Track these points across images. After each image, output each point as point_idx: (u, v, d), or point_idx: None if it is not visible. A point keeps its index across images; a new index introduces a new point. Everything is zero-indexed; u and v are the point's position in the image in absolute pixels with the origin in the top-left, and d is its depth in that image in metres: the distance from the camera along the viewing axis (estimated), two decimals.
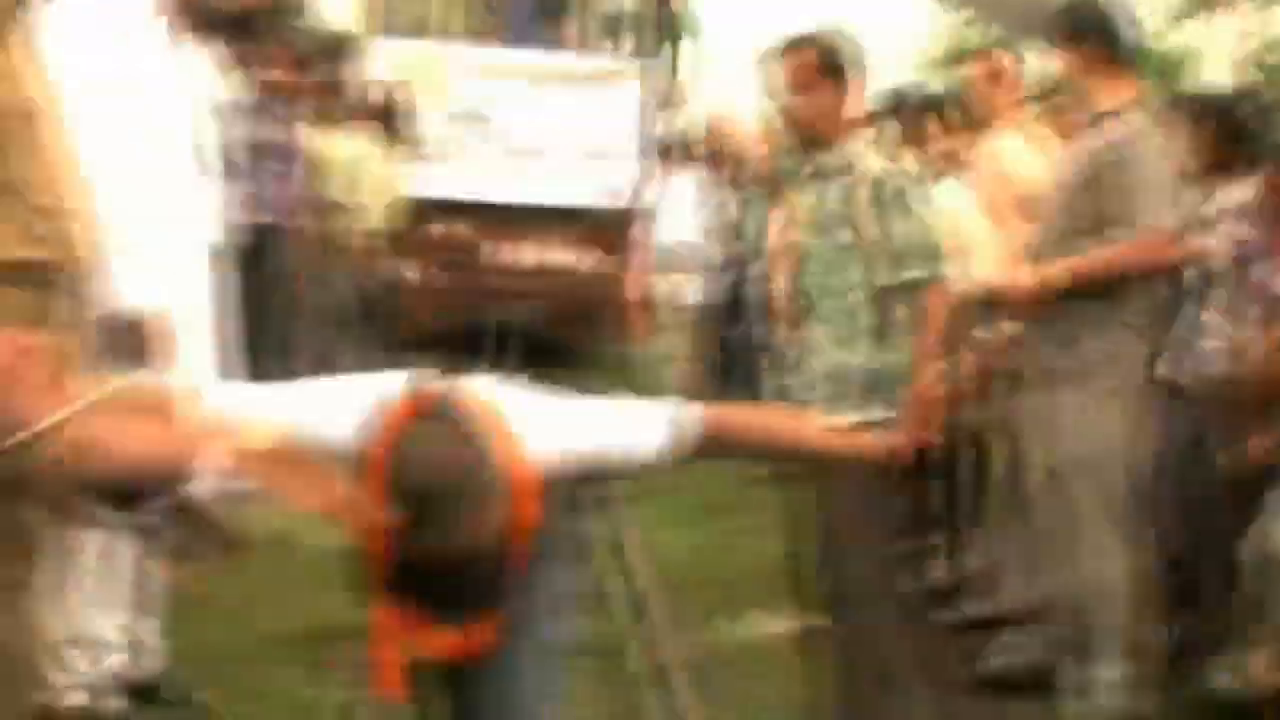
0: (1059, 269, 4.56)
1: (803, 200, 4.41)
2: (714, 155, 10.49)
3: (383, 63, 10.94)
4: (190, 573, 5.78)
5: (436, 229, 11.78)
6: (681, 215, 10.75)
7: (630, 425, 3.13)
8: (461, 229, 11.89)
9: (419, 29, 12.66)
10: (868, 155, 4.28)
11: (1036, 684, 4.94)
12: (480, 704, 3.30)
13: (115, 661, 4.33)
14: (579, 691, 4.62)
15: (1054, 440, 4.67)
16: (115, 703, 4.25)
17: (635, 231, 11.60)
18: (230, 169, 5.52)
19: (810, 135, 4.41)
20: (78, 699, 4.12)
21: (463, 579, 2.91)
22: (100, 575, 4.22)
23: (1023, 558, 5.16)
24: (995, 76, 5.83)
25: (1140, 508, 4.75)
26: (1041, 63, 6.24)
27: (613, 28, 13.25)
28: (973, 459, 5.94)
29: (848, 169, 4.26)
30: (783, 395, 4.50)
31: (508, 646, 3.18)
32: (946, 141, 5.58)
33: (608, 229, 11.84)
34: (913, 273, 4.20)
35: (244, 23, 5.60)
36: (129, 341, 3.82)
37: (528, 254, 10.94)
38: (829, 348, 4.28)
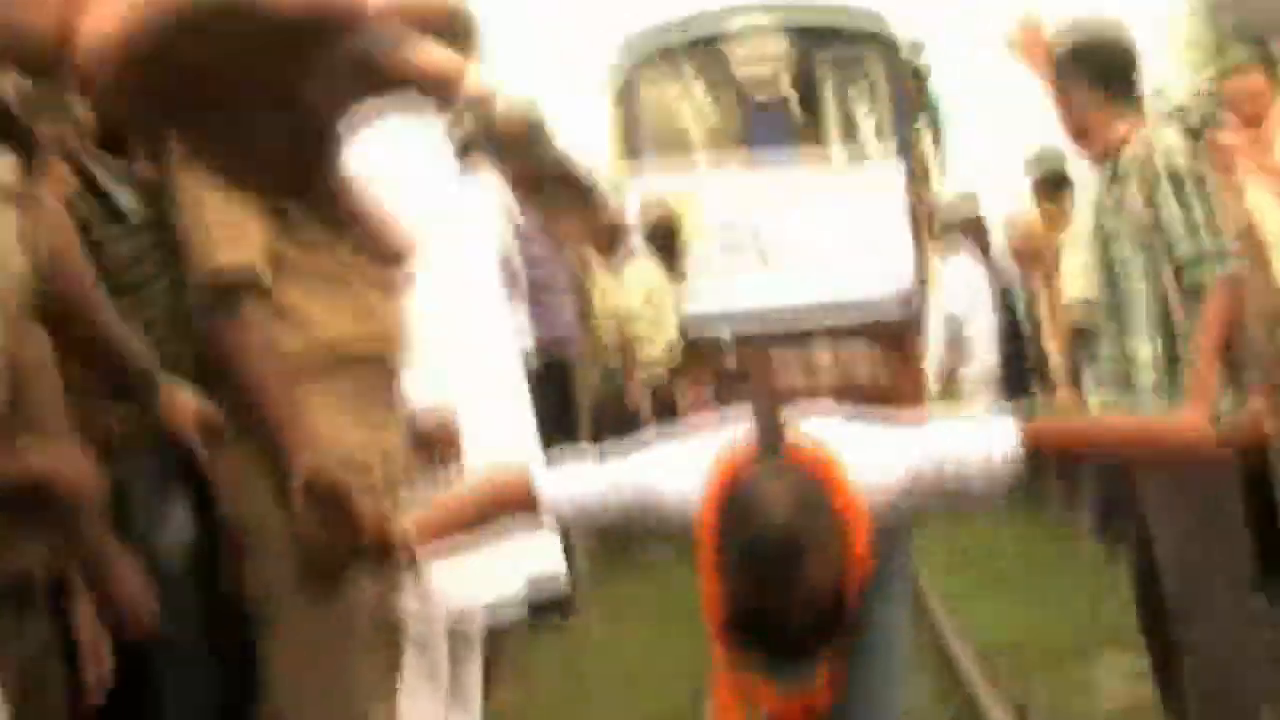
0: None
1: (1109, 197, 4.30)
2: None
3: (641, 197, 11.33)
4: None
5: (728, 358, 12.11)
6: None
7: (971, 437, 3.10)
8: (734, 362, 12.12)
9: (671, 148, 12.99)
10: (1161, 146, 4.16)
11: None
12: None
13: None
14: None
15: None
16: None
17: (917, 330, 11.69)
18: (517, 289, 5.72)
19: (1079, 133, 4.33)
20: None
21: (803, 630, 2.96)
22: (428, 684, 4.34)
23: None
24: (1258, 92, 5.70)
25: None
26: None
27: (866, 124, 13.37)
28: None
29: (1146, 161, 4.14)
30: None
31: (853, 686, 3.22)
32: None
33: (894, 331, 11.98)
34: (1200, 263, 4.05)
35: (515, 148, 5.81)
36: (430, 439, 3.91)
37: (823, 364, 11.07)
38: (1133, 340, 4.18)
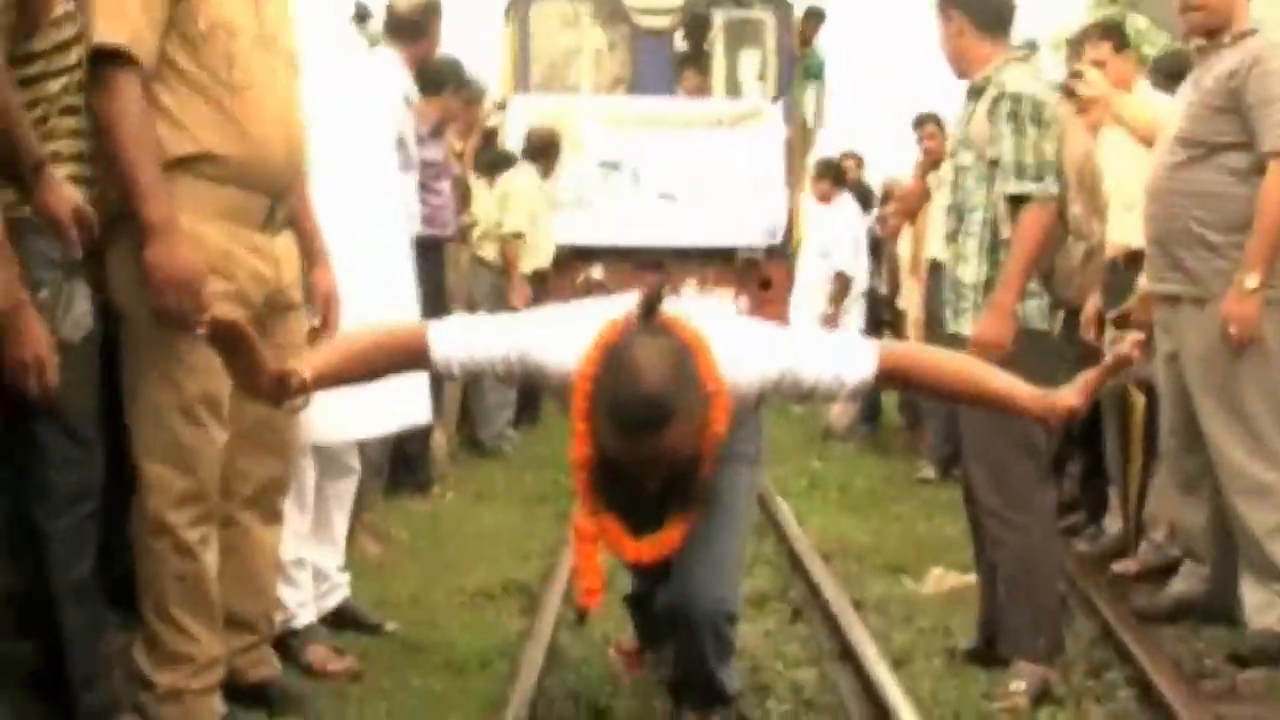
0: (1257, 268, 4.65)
1: (960, 121, 4.59)
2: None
3: (524, 116, 11.43)
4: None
5: (580, 277, 12.25)
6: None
7: (832, 353, 3.36)
8: (600, 276, 12.28)
9: (559, 85, 13.11)
10: (1014, 75, 4.43)
11: (1196, 614, 5.12)
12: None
13: (332, 589, 4.61)
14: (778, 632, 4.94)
15: (1216, 355, 4.77)
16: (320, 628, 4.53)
17: (785, 266, 11.91)
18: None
19: (953, 68, 4.61)
20: (305, 618, 4.35)
21: (663, 487, 3.18)
22: (317, 505, 4.48)
23: (1188, 497, 5.25)
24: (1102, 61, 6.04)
25: None
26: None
27: (746, 74, 13.55)
28: (1117, 420, 6.14)
29: (993, 86, 4.42)
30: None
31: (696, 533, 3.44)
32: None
33: (759, 267, 12.16)
34: (1023, 187, 4.34)
35: (418, 28, 5.91)
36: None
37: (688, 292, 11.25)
38: (974, 261, 4.45)
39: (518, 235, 9.41)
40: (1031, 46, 5.06)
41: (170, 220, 3.38)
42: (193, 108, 3.47)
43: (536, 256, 9.75)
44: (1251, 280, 4.64)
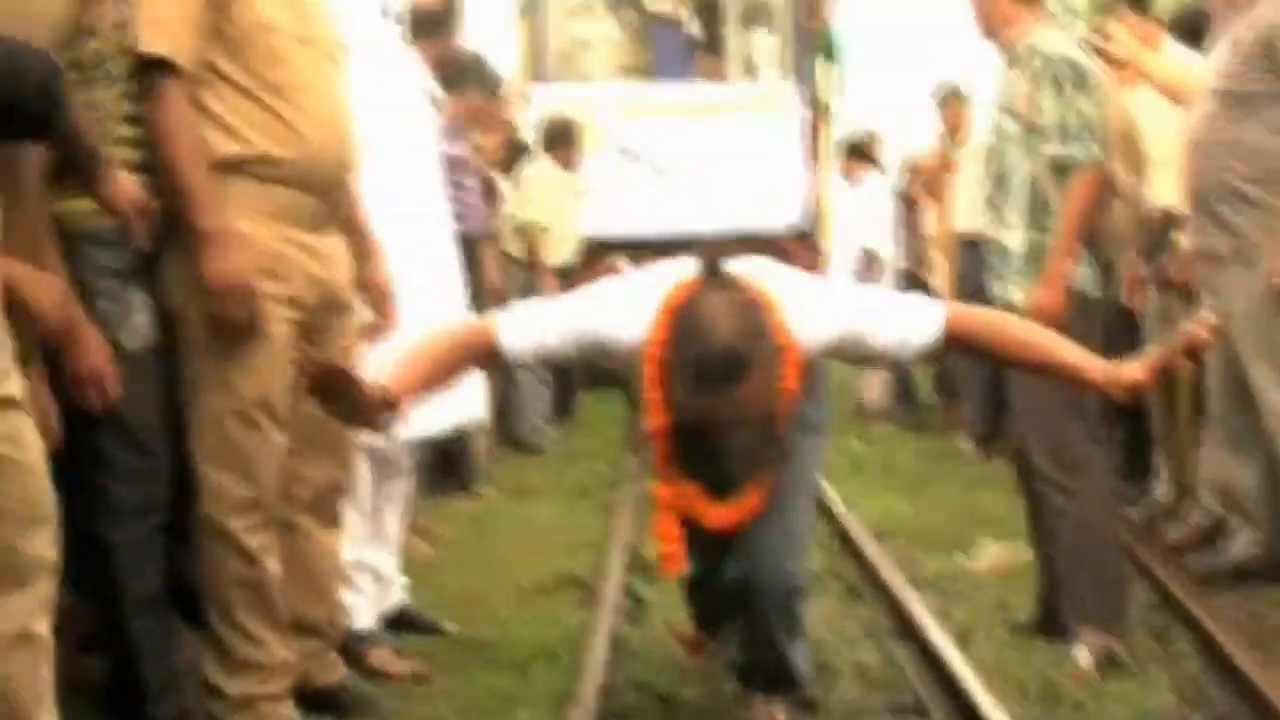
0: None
1: (1000, 88, 4.55)
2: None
3: (542, 107, 11.41)
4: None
5: (604, 270, 12.18)
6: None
7: (898, 314, 3.33)
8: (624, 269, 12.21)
9: (574, 75, 13.07)
10: (1054, 40, 4.40)
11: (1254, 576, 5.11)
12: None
13: (391, 591, 4.61)
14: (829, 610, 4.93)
15: (1263, 313, 4.74)
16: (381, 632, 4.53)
17: (810, 245, 11.87)
18: None
19: (988, 33, 4.57)
20: (365, 621, 4.35)
21: (739, 448, 3.15)
22: (375, 508, 4.47)
23: (1238, 458, 5.23)
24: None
25: None
26: None
27: (761, 56, 13.52)
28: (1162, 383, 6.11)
29: (1032, 54, 4.39)
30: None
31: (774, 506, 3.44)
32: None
33: (787, 250, 12.14)
34: (1070, 151, 4.31)
35: (440, 24, 5.88)
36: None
37: None
38: (1019, 227, 4.42)
39: (541, 228, 9.39)
40: (1071, 12, 5.03)
41: (223, 228, 3.38)
42: (239, 110, 3.47)
43: (563, 249, 9.72)
44: None
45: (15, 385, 2.45)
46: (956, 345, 3.37)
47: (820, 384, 3.72)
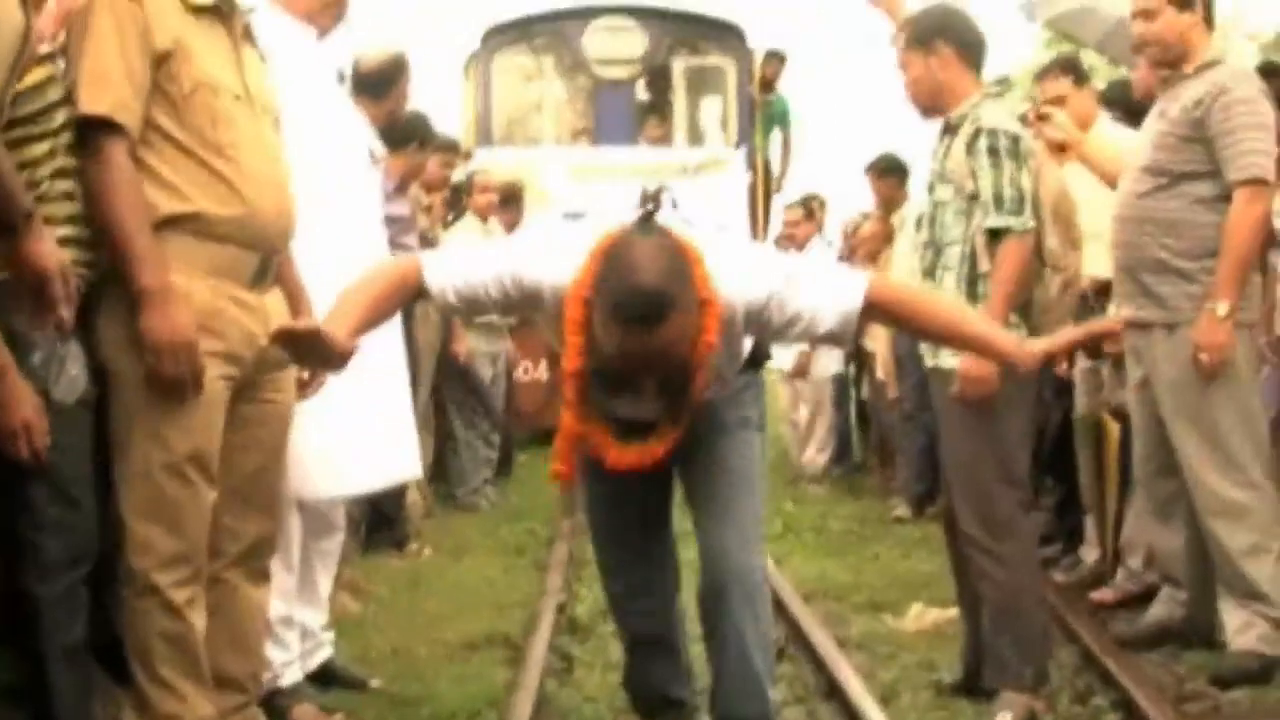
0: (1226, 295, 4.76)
1: (936, 156, 4.62)
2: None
3: (489, 166, 11.43)
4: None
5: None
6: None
7: (822, 281, 3.44)
8: None
9: (521, 137, 13.15)
10: (991, 111, 4.48)
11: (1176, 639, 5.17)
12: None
13: (317, 647, 4.60)
14: None
15: (1189, 381, 4.84)
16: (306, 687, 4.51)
17: None
18: None
19: (925, 105, 4.64)
20: (292, 677, 4.35)
21: (651, 395, 3.23)
22: (302, 563, 4.47)
23: (1164, 523, 5.30)
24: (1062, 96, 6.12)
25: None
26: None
27: (708, 122, 13.63)
28: (1092, 449, 6.20)
29: (970, 121, 4.47)
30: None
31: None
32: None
33: None
34: (1004, 221, 4.39)
35: (385, 84, 5.93)
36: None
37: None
38: (952, 294, 4.48)
39: None
40: (1005, 83, 5.12)
41: (165, 286, 3.41)
42: (180, 168, 3.51)
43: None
44: (1222, 308, 4.72)
45: None
46: (876, 314, 3.52)
47: (756, 382, 3.86)
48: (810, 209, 11.11)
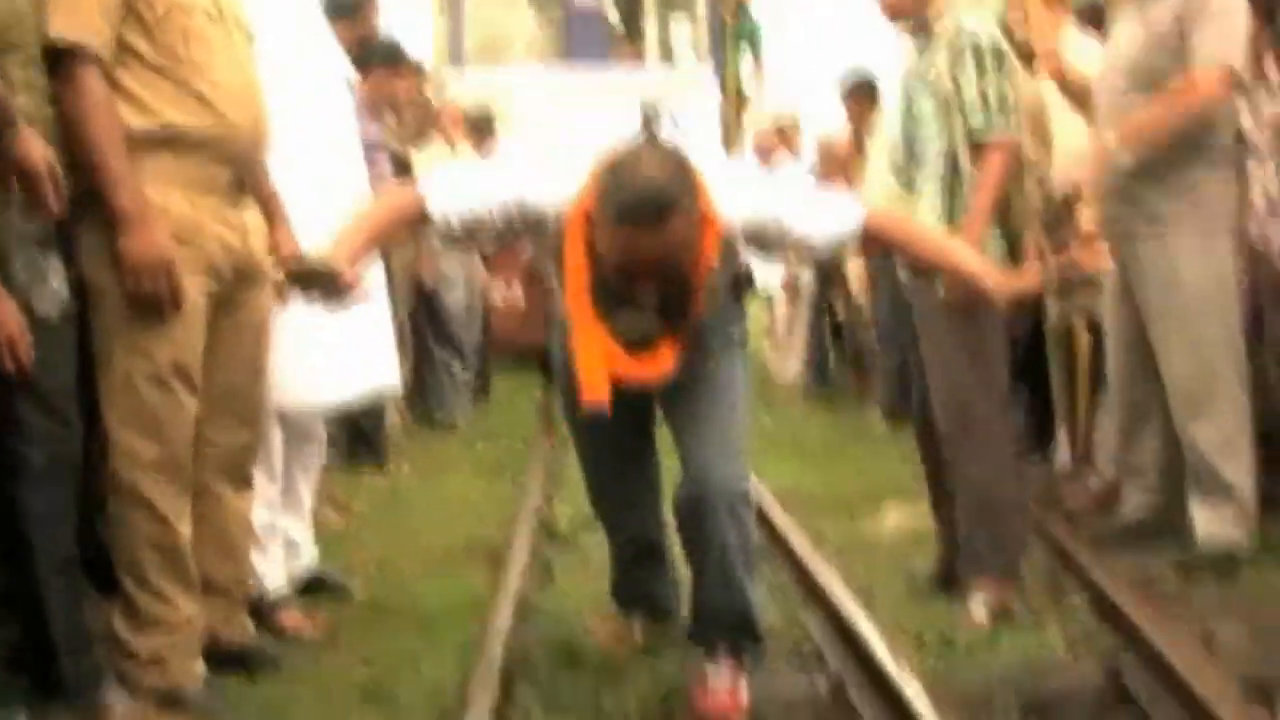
0: (1125, 135, 4.84)
1: (913, 60, 4.63)
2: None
3: (457, 90, 11.40)
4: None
5: (525, 254, 12.22)
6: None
7: (820, 206, 3.53)
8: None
9: (491, 57, 13.09)
10: (972, 19, 4.51)
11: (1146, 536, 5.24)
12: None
13: (302, 557, 4.66)
14: None
15: (1175, 285, 4.92)
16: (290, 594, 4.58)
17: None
18: None
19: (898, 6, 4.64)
20: (274, 584, 4.41)
21: (653, 306, 3.29)
22: (284, 473, 4.53)
23: (1135, 426, 5.36)
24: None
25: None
26: None
27: (679, 43, 13.60)
28: (1063, 355, 6.27)
29: (954, 31, 4.48)
30: None
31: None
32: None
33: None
34: (988, 123, 4.42)
35: (356, 7, 5.93)
36: None
37: None
38: (931, 197, 4.52)
39: None
40: None
41: (142, 207, 3.46)
42: (153, 86, 3.54)
43: None
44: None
45: None
46: (871, 241, 3.63)
47: (739, 303, 3.87)
48: (782, 129, 11.09)
